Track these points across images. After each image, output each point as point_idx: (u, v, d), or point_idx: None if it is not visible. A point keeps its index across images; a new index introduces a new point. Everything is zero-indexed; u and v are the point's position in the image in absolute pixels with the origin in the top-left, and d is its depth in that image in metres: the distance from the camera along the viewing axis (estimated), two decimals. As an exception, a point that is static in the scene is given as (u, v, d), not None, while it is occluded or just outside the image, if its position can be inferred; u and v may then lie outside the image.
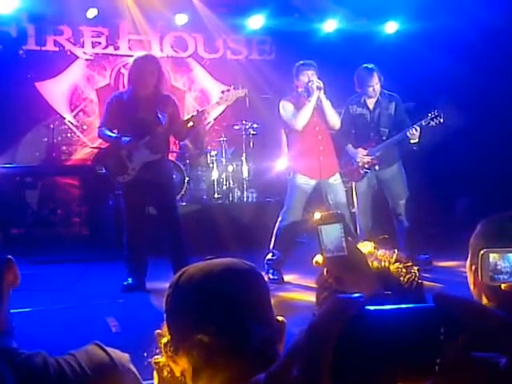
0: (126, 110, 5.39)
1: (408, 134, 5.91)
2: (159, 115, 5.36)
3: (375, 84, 6.09)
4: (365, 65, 6.19)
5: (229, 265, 1.25)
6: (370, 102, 6.21)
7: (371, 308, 0.55)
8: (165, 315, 1.26)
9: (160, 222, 5.68)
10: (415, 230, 6.22)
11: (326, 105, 5.79)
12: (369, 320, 0.55)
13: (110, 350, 1.29)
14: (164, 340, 1.24)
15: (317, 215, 1.22)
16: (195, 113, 5.58)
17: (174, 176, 7.96)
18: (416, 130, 5.88)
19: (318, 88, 5.69)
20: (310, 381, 0.52)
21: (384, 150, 6.15)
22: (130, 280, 5.56)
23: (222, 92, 5.58)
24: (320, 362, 0.53)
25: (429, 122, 5.92)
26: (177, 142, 7.32)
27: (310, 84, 5.72)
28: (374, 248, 1.52)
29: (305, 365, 0.53)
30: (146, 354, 1.33)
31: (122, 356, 1.32)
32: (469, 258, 1.68)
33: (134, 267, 5.61)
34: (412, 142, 5.96)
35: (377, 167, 6.20)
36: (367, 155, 6.16)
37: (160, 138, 5.39)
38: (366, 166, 6.19)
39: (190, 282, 1.22)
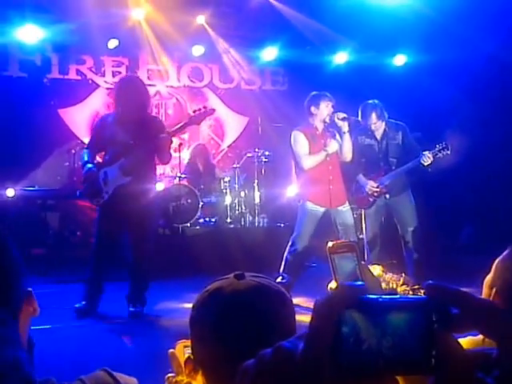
0: (108, 133, 5.28)
1: (422, 161, 5.97)
2: (140, 137, 5.18)
3: (374, 123, 6.22)
4: (370, 101, 6.31)
5: (256, 285, 1.23)
6: (378, 133, 6.31)
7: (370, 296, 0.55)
8: (189, 330, 1.26)
9: (129, 244, 5.49)
10: (423, 258, 6.21)
11: (347, 138, 5.85)
12: (367, 309, 0.54)
13: (117, 375, 1.27)
14: (185, 356, 1.26)
15: (330, 244, 1.19)
16: (164, 134, 5.35)
17: (185, 200, 8.13)
18: (429, 157, 5.95)
19: (345, 119, 5.75)
20: (309, 358, 0.53)
21: (394, 179, 6.22)
22: (83, 303, 5.39)
23: (194, 112, 5.45)
24: (318, 341, 0.53)
25: (436, 154, 5.99)
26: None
27: (337, 117, 5.75)
28: (383, 271, 1.54)
29: (305, 342, 0.54)
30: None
31: (129, 381, 1.30)
32: (490, 276, 1.60)
33: (91, 291, 5.43)
34: (426, 165, 6.02)
35: (387, 196, 6.28)
36: (377, 186, 6.25)
37: (134, 161, 5.16)
38: (376, 194, 6.28)
39: (217, 299, 1.22)
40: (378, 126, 6.28)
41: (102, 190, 5.26)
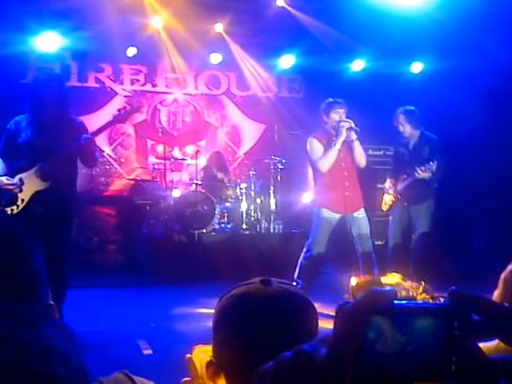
0: (23, 137, 4.86)
1: (417, 174, 6.24)
2: (58, 140, 4.79)
3: (401, 124, 6.49)
4: (408, 107, 6.58)
5: (285, 292, 1.24)
6: (411, 144, 6.55)
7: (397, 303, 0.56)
8: (212, 334, 1.27)
9: (47, 257, 4.98)
10: (425, 259, 6.40)
11: (357, 144, 5.89)
12: (392, 314, 0.55)
13: (136, 378, 1.28)
14: (207, 359, 1.26)
15: (353, 281, 1.22)
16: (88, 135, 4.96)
17: (201, 206, 8.19)
18: (419, 173, 6.22)
19: (351, 129, 5.78)
20: (334, 362, 0.52)
21: (407, 189, 6.45)
22: None
23: (119, 110, 5.20)
24: (346, 346, 0.53)
25: (424, 170, 6.22)
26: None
27: (341, 124, 5.78)
28: (402, 279, 1.56)
29: (332, 346, 0.53)
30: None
31: None
32: (499, 291, 1.60)
33: None
34: (428, 178, 6.29)
35: (405, 203, 6.51)
36: (394, 191, 6.59)
37: (54, 165, 4.78)
38: (393, 198, 6.61)
39: (244, 304, 1.23)
40: (413, 135, 6.52)
41: (18, 198, 4.85)
